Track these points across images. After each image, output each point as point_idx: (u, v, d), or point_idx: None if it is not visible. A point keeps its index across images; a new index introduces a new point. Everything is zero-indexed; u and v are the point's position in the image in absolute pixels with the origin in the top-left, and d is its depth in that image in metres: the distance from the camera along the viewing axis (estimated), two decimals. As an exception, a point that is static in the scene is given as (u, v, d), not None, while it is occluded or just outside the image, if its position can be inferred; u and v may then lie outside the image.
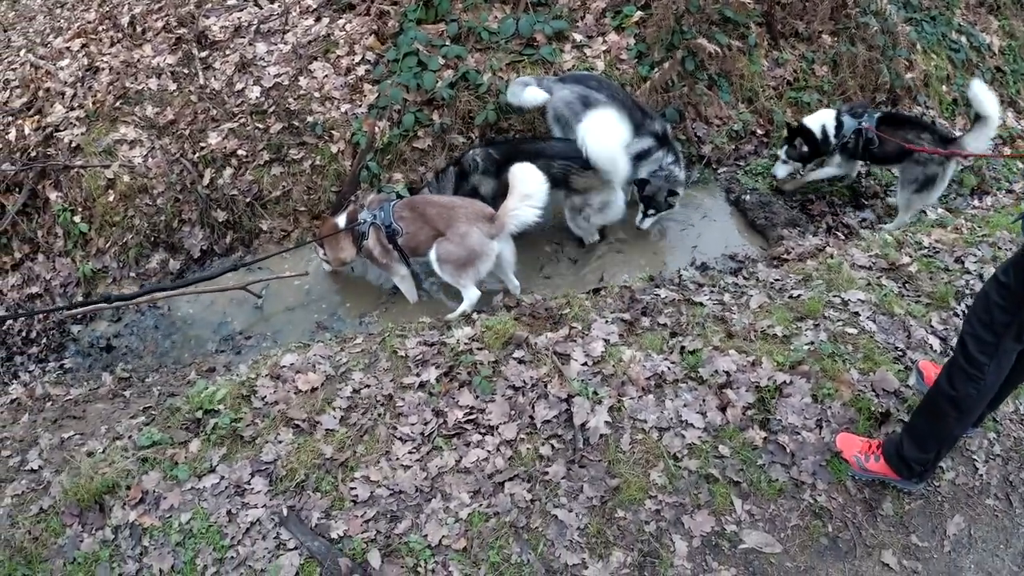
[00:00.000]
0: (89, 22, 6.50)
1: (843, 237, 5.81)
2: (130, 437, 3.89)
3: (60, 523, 3.57)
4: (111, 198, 5.47)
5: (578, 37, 6.09)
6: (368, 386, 3.96)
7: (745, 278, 4.98)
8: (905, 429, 3.48)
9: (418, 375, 3.98)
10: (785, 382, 3.88)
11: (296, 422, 3.81)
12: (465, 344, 4.10)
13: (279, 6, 6.37)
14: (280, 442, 3.72)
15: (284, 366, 4.15)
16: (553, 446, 3.63)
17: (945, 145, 5.34)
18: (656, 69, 6.01)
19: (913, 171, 5.54)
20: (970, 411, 3.21)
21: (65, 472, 3.73)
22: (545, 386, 3.86)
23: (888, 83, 6.69)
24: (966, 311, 3.12)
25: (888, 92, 6.76)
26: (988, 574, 3.53)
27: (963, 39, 7.30)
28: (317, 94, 5.73)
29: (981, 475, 3.80)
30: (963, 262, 4.94)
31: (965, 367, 3.05)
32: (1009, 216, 5.64)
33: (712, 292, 4.76)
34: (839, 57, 6.62)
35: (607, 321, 4.32)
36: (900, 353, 4.18)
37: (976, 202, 6.44)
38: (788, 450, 3.65)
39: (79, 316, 5.34)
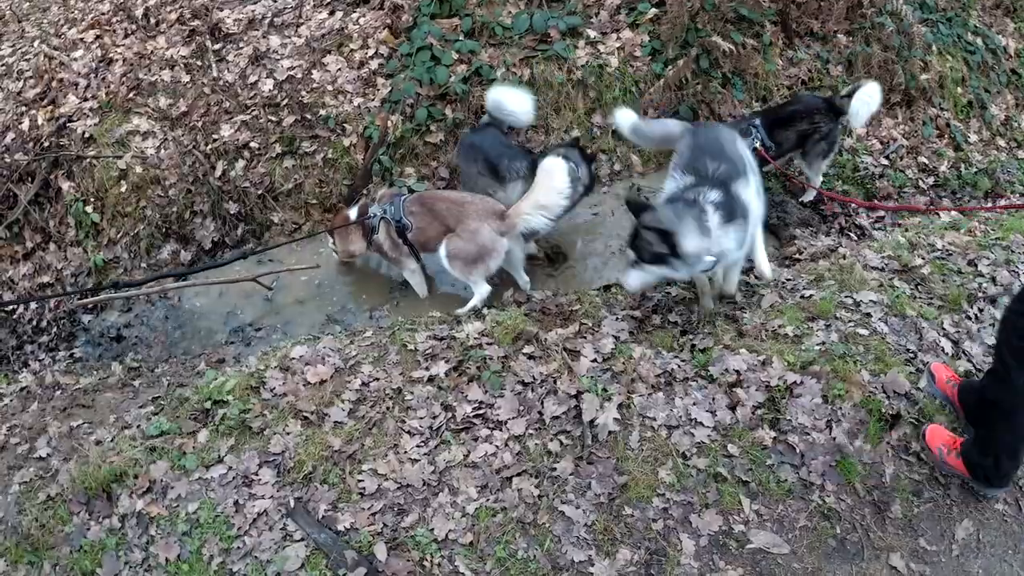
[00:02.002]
0: (103, 13, 6.51)
1: (855, 238, 5.78)
2: (139, 426, 3.91)
3: (67, 511, 3.59)
4: (123, 189, 5.48)
5: (592, 33, 6.07)
6: (377, 379, 3.96)
7: (757, 277, 4.96)
8: (975, 432, 3.53)
9: (427, 369, 3.97)
10: (796, 382, 3.85)
11: (305, 414, 3.81)
12: (475, 339, 4.09)
13: (293, -1, 6.39)
14: (288, 434, 3.72)
15: (293, 358, 4.15)
16: (562, 442, 3.62)
17: (834, 109, 5.46)
18: (670, 67, 5.98)
19: (819, 146, 5.62)
20: (1011, 415, 3.24)
21: (73, 460, 3.76)
22: (554, 382, 3.84)
23: (903, 84, 6.65)
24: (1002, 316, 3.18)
25: (903, 93, 6.72)
26: (997, 576, 3.52)
27: (979, 41, 7.23)
28: (330, 87, 5.73)
29: (992, 479, 3.78)
30: (976, 265, 4.90)
31: (998, 370, 3.14)
32: (1022, 221, 5.61)
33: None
34: (854, 57, 6.58)
35: (617, 318, 4.31)
36: (912, 355, 4.14)
37: (989, 205, 6.40)
38: (798, 450, 3.63)
39: (90, 306, 5.36)
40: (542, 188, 4.51)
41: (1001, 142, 7.01)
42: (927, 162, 6.59)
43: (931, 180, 6.51)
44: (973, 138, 6.88)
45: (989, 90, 7.13)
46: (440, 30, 5.86)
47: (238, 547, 3.36)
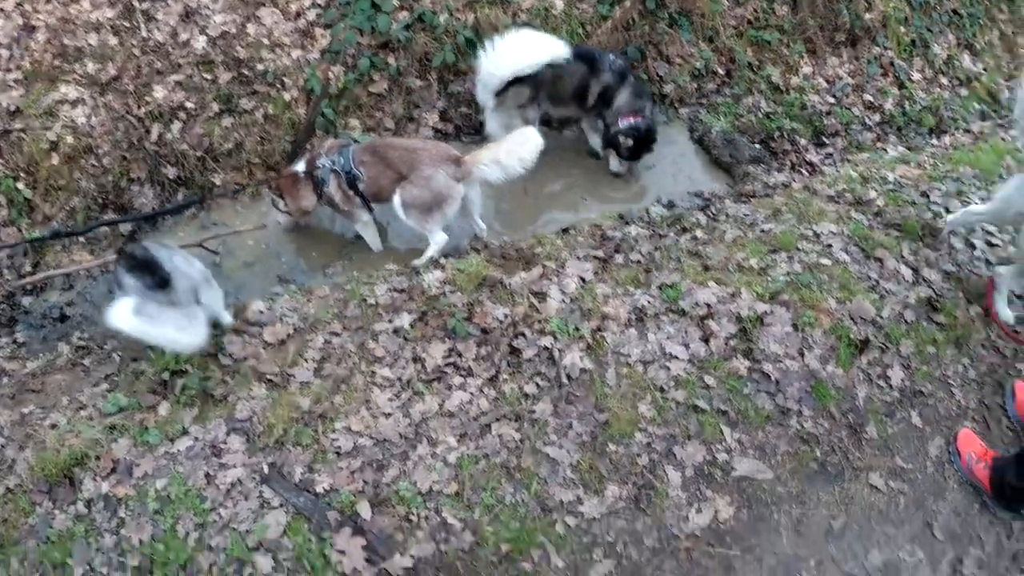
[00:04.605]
0: (20, -22, 6.13)
1: (807, 174, 5.83)
2: (94, 405, 3.70)
3: (29, 502, 3.36)
4: (55, 161, 5.18)
5: (536, -25, 5.93)
6: (339, 335, 3.84)
7: (713, 215, 4.96)
8: (1016, 453, 3.51)
9: (391, 321, 3.87)
10: (765, 312, 3.88)
11: (268, 376, 3.68)
12: (437, 288, 3.99)
13: (222, -47, 6.08)
14: (253, 398, 3.58)
15: (249, 320, 4.00)
16: (538, 384, 3.57)
17: None
18: (616, 8, 5.89)
19: None
20: None
21: (29, 448, 3.53)
22: (524, 325, 3.78)
23: (848, 23, 6.70)
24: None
25: (848, 32, 6.77)
26: (969, 492, 3.62)
27: (922, -19, 7.29)
28: (266, 41, 5.47)
29: (958, 400, 3.89)
30: (928, 196, 5.01)
31: None
32: (971, 154, 5.71)
33: (683, 228, 4.74)
34: (800, -3, 6.57)
35: (580, 258, 4.26)
36: (874, 283, 4.21)
37: (935, 141, 6.54)
38: (773, 378, 3.66)
39: (29, 287, 5.09)
40: (508, 149, 4.39)
41: (944, 80, 7.15)
42: (872, 100, 6.70)
43: (876, 117, 6.62)
44: (916, 76, 7.00)
45: (931, 30, 7.23)
46: (379, -24, 5.64)
47: (214, 520, 3.21)
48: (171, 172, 5.24)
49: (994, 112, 7.18)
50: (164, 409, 3.61)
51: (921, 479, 3.59)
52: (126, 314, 3.43)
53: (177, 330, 3.49)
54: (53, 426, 3.63)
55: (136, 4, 5.58)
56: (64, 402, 3.81)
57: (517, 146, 4.38)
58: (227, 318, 4.06)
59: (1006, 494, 3.48)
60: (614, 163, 5.58)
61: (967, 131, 6.78)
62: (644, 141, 5.29)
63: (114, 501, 3.32)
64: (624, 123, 5.24)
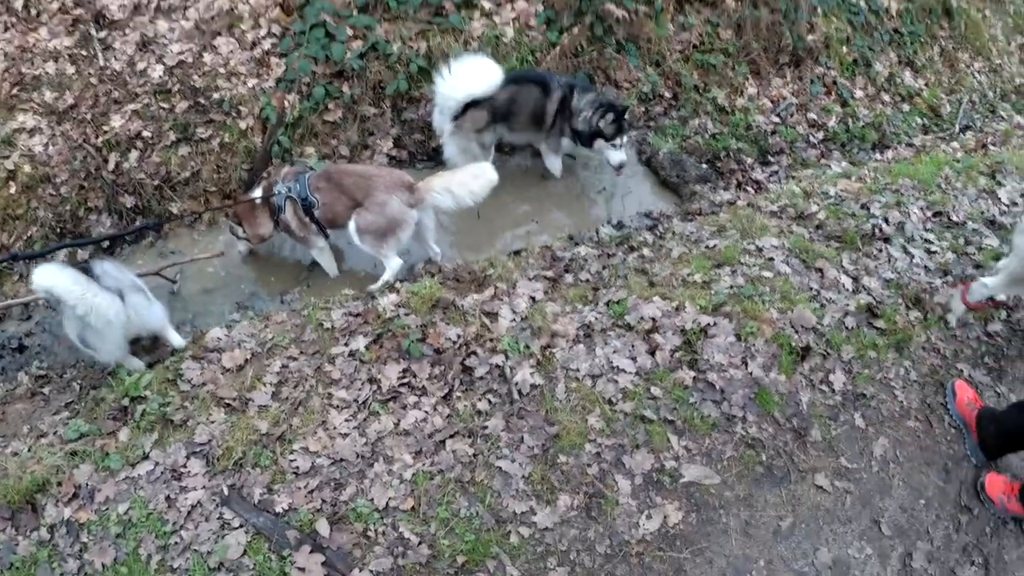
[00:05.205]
0: (-23, 8, 6.13)
1: (752, 191, 6.01)
2: (55, 432, 3.73)
3: (-8, 530, 3.40)
4: (12, 191, 5.20)
5: (487, 4, 6.05)
6: (296, 359, 3.91)
7: (660, 233, 5.12)
8: None
9: (347, 344, 3.95)
10: (709, 324, 4.01)
11: (227, 401, 3.73)
12: (392, 311, 4.08)
13: (179, -19, 6.13)
14: (212, 422, 3.64)
15: (207, 347, 4.06)
16: (490, 401, 3.67)
17: None
18: (565, 34, 6.05)
19: None
20: None
21: (-9, 476, 3.57)
22: (476, 344, 3.89)
23: (791, 45, 6.93)
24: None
25: (791, 53, 7.00)
26: (915, 489, 3.75)
27: (862, 3, 7.55)
28: (223, 70, 5.55)
29: (901, 401, 4.03)
30: (868, 208, 5.18)
31: None
32: (910, 167, 5.93)
33: (631, 247, 4.88)
34: (743, 21, 6.77)
35: (531, 279, 4.38)
36: (815, 292, 4.37)
37: (878, 155, 6.77)
38: (717, 387, 3.78)
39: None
40: (461, 180, 4.53)
41: (886, 97, 7.42)
42: (816, 118, 6.93)
43: (820, 135, 6.85)
44: (859, 94, 7.25)
45: (873, 48, 7.50)
46: (333, 6, 5.71)
47: (175, 542, 3.25)
48: (129, 201, 5.28)
49: (936, 126, 7.45)
50: (124, 434, 3.64)
51: (866, 478, 3.72)
52: (51, 270, 3.62)
53: (86, 292, 3.61)
54: (14, 454, 3.65)
55: (93, 33, 5.63)
56: (25, 430, 3.84)
57: (471, 179, 4.53)
58: (176, 339, 4.21)
59: None
60: (552, 162, 5.79)
61: (910, 145, 7.03)
62: (618, 113, 5.39)
63: (76, 526, 3.35)
64: (595, 107, 5.39)
